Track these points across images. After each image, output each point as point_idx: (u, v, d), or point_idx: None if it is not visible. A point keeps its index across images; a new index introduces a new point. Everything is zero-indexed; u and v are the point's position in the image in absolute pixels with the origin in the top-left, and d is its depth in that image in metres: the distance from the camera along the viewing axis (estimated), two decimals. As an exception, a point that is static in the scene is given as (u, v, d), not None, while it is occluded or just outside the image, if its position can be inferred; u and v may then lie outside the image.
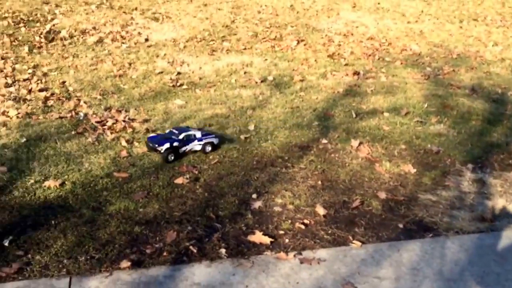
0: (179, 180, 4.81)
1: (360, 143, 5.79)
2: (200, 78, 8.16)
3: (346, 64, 9.47)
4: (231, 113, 6.68)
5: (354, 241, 4.04)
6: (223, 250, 3.86)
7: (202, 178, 4.92)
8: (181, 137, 5.27)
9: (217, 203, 4.48)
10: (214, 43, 10.08)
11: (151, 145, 5.26)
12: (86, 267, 3.59)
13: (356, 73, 8.76)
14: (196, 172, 5.01)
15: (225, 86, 7.80)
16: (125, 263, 3.60)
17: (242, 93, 7.59)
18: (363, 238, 4.11)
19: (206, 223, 4.20)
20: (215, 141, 5.51)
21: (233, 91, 7.62)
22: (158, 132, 5.86)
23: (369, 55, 10.13)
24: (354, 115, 6.91)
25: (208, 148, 5.44)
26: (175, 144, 5.19)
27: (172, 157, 5.16)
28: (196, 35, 10.49)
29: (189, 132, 5.35)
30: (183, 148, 5.28)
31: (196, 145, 5.37)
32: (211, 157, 5.30)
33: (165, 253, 3.76)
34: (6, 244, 3.72)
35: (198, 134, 5.40)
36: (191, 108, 6.85)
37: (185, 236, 3.99)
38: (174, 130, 5.42)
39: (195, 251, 3.79)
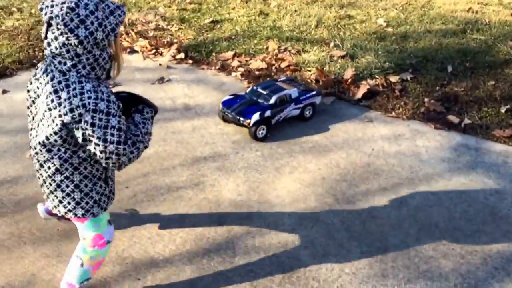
0: None
1: None
2: None
3: None
4: None
5: None
6: None
7: None
8: (272, 101, 3.56)
9: None
10: None
11: (229, 115, 3.60)
12: None
13: None
14: None
15: None
16: None
17: None
18: None
19: None
20: (318, 100, 3.78)
21: None
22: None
23: None
24: None
25: (308, 113, 3.75)
26: (267, 114, 3.53)
27: (264, 132, 3.54)
28: None
29: (282, 93, 3.61)
30: (276, 118, 3.61)
31: (292, 111, 3.66)
32: None
33: None
34: (503, 111, 3.76)
35: (294, 94, 3.66)
36: None
37: None
38: (259, 89, 3.69)
39: None
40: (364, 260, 2.51)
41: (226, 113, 3.61)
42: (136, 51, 4.96)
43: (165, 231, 2.71)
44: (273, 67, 4.60)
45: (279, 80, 3.94)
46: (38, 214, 2.80)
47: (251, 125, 3.48)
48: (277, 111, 3.56)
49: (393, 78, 4.22)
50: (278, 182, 3.10)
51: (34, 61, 4.64)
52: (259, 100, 3.60)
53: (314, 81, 4.28)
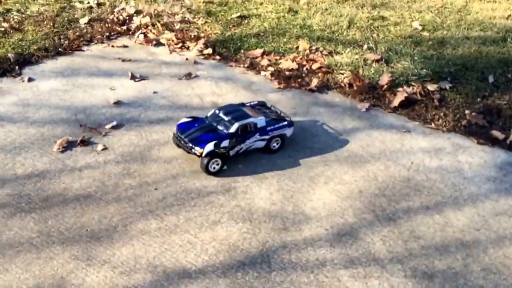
0: None
1: None
2: None
3: None
4: None
5: None
6: None
7: None
8: (232, 129, 3.13)
9: None
10: None
11: (181, 141, 3.17)
12: None
13: None
14: None
15: None
16: None
17: None
18: None
19: None
20: (289, 132, 3.37)
21: None
22: (195, 114, 3.45)
23: None
24: None
25: (276, 145, 3.35)
26: (224, 144, 3.11)
27: (218, 166, 3.11)
28: None
29: (246, 121, 3.17)
30: (236, 149, 3.19)
31: (256, 142, 3.25)
32: None
33: None
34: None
35: (261, 122, 3.23)
36: None
37: None
38: (221, 114, 3.24)
39: None
40: (409, 286, 2.42)
41: (178, 138, 3.15)
42: (162, 44, 4.88)
43: (197, 239, 2.63)
44: (304, 68, 4.50)
45: (248, 104, 3.49)
46: (66, 212, 2.74)
47: (203, 155, 3.02)
48: (237, 141, 3.12)
49: (431, 87, 4.10)
50: (313, 192, 3.01)
51: (59, 49, 4.57)
52: (218, 127, 3.16)
53: (347, 85, 4.17)
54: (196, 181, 3.06)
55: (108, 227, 2.68)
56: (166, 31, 5.08)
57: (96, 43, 4.80)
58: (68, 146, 3.29)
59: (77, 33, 4.87)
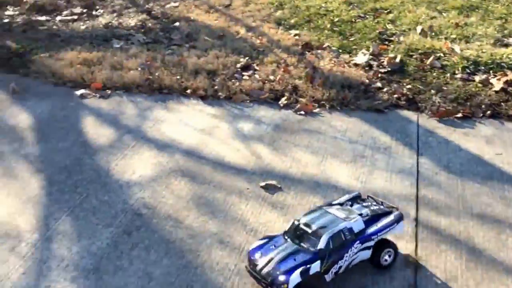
0: None
1: None
2: None
3: None
4: None
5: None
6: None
7: None
8: (321, 244, 2.37)
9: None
10: None
11: (256, 276, 2.42)
12: None
13: None
14: None
15: None
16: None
17: None
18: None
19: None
20: (399, 230, 2.62)
21: None
22: (269, 234, 2.67)
23: None
24: None
25: (388, 258, 2.56)
26: (314, 269, 2.33)
27: None
28: None
29: (337, 227, 2.41)
30: (333, 270, 2.40)
31: (359, 253, 2.49)
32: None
33: None
34: None
35: (358, 225, 2.47)
36: None
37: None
38: (301, 225, 2.48)
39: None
40: None
41: (251, 272, 2.47)
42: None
43: None
44: None
45: (344, 201, 2.74)
46: None
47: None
48: (332, 260, 2.39)
49: None
50: None
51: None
52: (302, 244, 2.43)
53: None
54: None
55: None
56: None
57: None
58: None
59: None
